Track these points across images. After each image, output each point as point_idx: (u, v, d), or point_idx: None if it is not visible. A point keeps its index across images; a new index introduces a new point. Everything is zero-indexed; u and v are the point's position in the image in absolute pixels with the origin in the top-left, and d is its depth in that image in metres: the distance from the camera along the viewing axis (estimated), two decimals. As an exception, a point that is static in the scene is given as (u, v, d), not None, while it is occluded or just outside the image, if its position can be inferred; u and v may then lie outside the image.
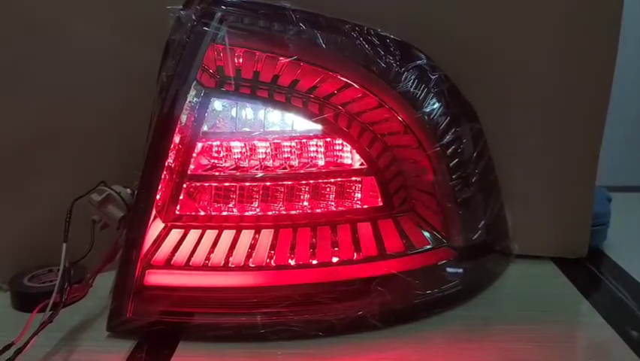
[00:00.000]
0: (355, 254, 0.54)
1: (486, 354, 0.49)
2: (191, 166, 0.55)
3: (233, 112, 0.56)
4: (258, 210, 0.57)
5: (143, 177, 0.51)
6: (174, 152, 0.54)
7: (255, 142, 0.56)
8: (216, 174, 0.57)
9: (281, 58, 0.52)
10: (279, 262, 0.54)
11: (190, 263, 0.54)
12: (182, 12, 0.51)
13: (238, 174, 0.57)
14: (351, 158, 0.57)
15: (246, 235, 0.56)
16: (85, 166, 0.62)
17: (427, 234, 0.57)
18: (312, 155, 0.57)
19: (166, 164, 0.52)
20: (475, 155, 0.57)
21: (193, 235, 0.56)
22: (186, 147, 0.54)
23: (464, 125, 0.57)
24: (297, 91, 0.54)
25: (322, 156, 0.57)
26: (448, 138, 0.55)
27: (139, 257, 0.52)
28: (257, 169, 0.57)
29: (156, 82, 0.54)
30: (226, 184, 0.57)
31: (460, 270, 0.57)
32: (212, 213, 0.57)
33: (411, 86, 0.54)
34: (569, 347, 0.52)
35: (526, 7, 0.60)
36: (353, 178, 0.57)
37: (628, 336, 0.51)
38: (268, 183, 0.57)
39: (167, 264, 0.54)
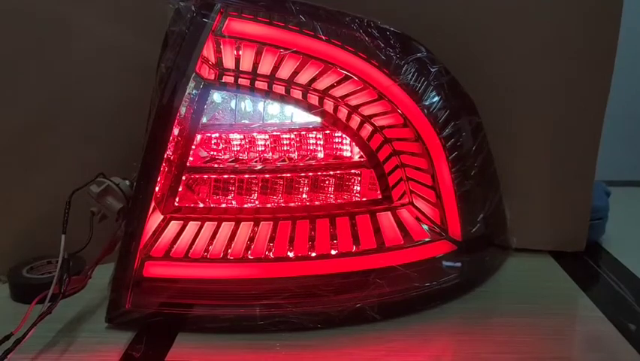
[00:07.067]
0: (354, 247, 0.54)
1: (484, 347, 0.49)
2: (190, 158, 0.55)
3: (233, 104, 0.56)
4: (257, 202, 0.57)
5: (142, 168, 0.51)
6: (173, 144, 0.54)
7: (254, 134, 0.56)
8: (215, 166, 0.56)
9: (281, 50, 0.52)
10: (277, 254, 0.54)
11: (189, 255, 0.54)
12: (181, 3, 0.51)
13: (237, 166, 0.57)
14: (351, 150, 0.57)
15: (245, 227, 0.56)
16: (84, 158, 0.62)
17: (425, 227, 0.57)
18: (311, 147, 0.57)
19: (165, 156, 0.52)
20: (474, 148, 0.57)
21: (192, 226, 0.56)
22: (185, 139, 0.54)
23: (463, 119, 0.57)
24: (297, 83, 0.54)
25: (321, 148, 0.57)
26: (447, 131, 0.55)
27: (138, 249, 0.52)
28: (256, 162, 0.57)
29: (155, 73, 0.54)
30: (225, 176, 0.57)
31: (459, 263, 0.57)
32: (211, 205, 0.57)
33: (411, 79, 0.54)
34: (566, 340, 0.52)
35: (527, 3, 0.60)
36: (352, 171, 0.57)
37: (626, 329, 0.52)
38: (267, 176, 0.57)
39: (166, 256, 0.54)
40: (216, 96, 0.56)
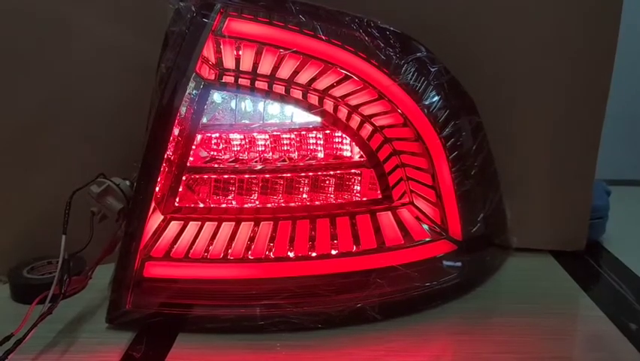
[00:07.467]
0: (354, 246, 0.54)
1: (484, 347, 0.49)
2: (191, 158, 0.55)
3: (233, 104, 0.56)
4: (257, 202, 0.57)
5: (143, 168, 0.51)
6: (173, 144, 0.54)
7: (255, 134, 0.56)
8: (215, 166, 0.56)
9: (280, 50, 0.52)
10: (278, 254, 0.54)
11: (189, 255, 0.54)
12: (181, 3, 0.51)
13: (237, 166, 0.57)
14: (351, 150, 0.57)
15: (245, 227, 0.56)
16: (84, 158, 0.62)
17: (426, 226, 0.57)
18: (311, 147, 0.57)
19: (165, 156, 0.52)
20: (474, 148, 0.57)
21: (192, 227, 0.56)
22: (185, 139, 0.54)
23: (463, 118, 0.57)
24: (297, 83, 0.54)
25: (322, 148, 0.57)
26: (447, 130, 0.55)
27: (138, 249, 0.52)
28: (256, 162, 0.57)
29: (155, 74, 0.54)
30: (225, 176, 0.57)
31: (459, 263, 0.57)
32: (212, 206, 0.57)
33: (410, 79, 0.54)
34: (567, 340, 0.52)
35: (527, 3, 0.60)
36: (352, 171, 0.57)
37: (626, 329, 0.52)
38: (267, 176, 0.57)
39: (167, 256, 0.54)
40: (216, 96, 0.56)
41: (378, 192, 0.57)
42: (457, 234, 0.56)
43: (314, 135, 0.56)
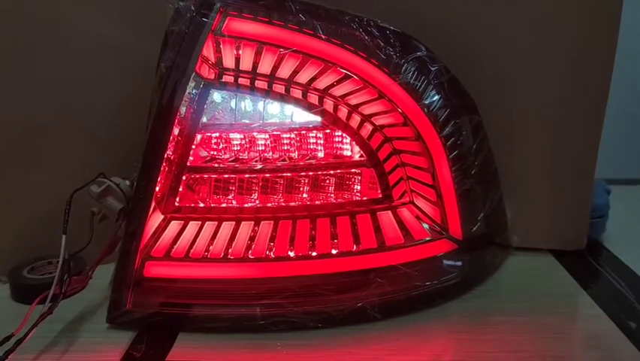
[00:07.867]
0: (354, 246, 0.54)
1: (484, 346, 0.49)
2: (191, 158, 0.55)
3: (233, 103, 0.56)
4: (257, 202, 0.57)
5: (143, 168, 0.51)
6: (173, 143, 0.54)
7: (255, 134, 0.56)
8: (215, 165, 0.56)
9: (280, 49, 0.52)
10: (278, 253, 0.54)
11: (189, 255, 0.54)
12: (181, 3, 0.51)
13: (237, 166, 0.57)
14: (351, 150, 0.57)
15: (246, 227, 0.56)
16: (84, 158, 0.62)
17: (426, 226, 0.57)
18: (311, 147, 0.57)
19: (165, 156, 0.52)
20: (474, 147, 0.57)
21: (192, 226, 0.56)
22: (185, 139, 0.54)
23: (464, 118, 0.57)
24: (297, 82, 0.54)
25: (322, 147, 0.57)
26: (447, 130, 0.55)
27: (138, 249, 0.52)
28: (256, 161, 0.57)
29: (155, 73, 0.54)
30: (225, 176, 0.57)
31: (459, 262, 0.57)
32: (212, 205, 0.57)
33: (411, 78, 0.54)
34: (567, 338, 0.52)
35: (527, 3, 0.60)
36: (353, 170, 0.57)
37: (626, 327, 0.52)
38: (267, 175, 0.57)
39: (167, 255, 0.54)
40: (216, 96, 0.55)
41: (379, 191, 0.57)
42: (458, 233, 0.56)
43: (314, 135, 0.56)
